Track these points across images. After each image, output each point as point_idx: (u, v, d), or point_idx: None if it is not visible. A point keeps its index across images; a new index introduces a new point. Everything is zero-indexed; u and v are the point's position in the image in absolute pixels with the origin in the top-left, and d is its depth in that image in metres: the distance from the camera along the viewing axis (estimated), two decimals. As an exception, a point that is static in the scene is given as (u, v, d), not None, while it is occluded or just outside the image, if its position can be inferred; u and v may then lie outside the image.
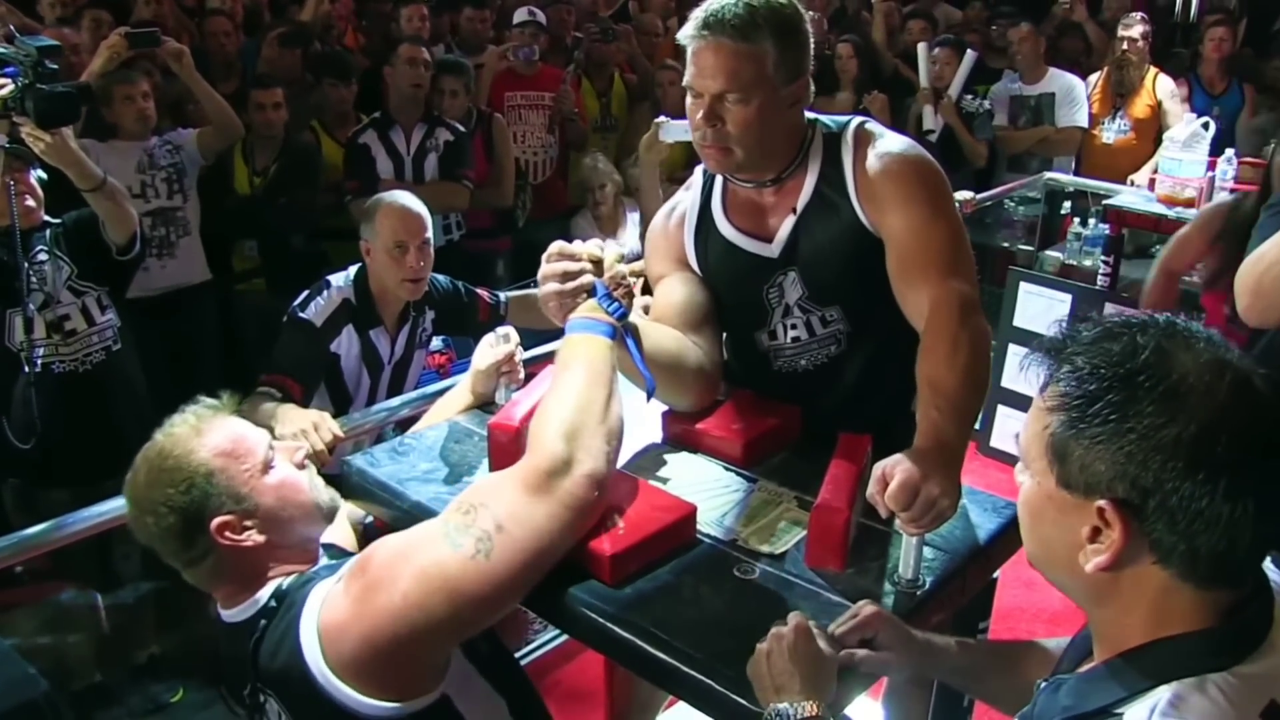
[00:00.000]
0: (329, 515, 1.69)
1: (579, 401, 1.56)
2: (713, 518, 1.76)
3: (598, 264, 1.73)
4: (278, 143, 4.38)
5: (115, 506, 2.23)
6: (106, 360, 3.20)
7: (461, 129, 4.52)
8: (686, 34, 1.84)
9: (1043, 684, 1.13)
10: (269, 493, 1.59)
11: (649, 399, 1.80)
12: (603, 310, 1.68)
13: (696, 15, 1.84)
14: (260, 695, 1.57)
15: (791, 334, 2.05)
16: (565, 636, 3.27)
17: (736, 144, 1.87)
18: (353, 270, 2.97)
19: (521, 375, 2.13)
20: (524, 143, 5.15)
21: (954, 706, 2.14)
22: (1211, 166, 4.31)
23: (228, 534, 1.55)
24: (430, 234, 2.95)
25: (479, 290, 3.18)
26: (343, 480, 1.95)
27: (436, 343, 3.45)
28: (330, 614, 1.46)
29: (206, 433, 1.59)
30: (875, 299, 1.93)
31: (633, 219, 4.65)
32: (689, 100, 1.89)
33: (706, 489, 1.84)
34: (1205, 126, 4.37)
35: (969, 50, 5.46)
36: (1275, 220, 2.10)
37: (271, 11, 6.07)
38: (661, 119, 3.98)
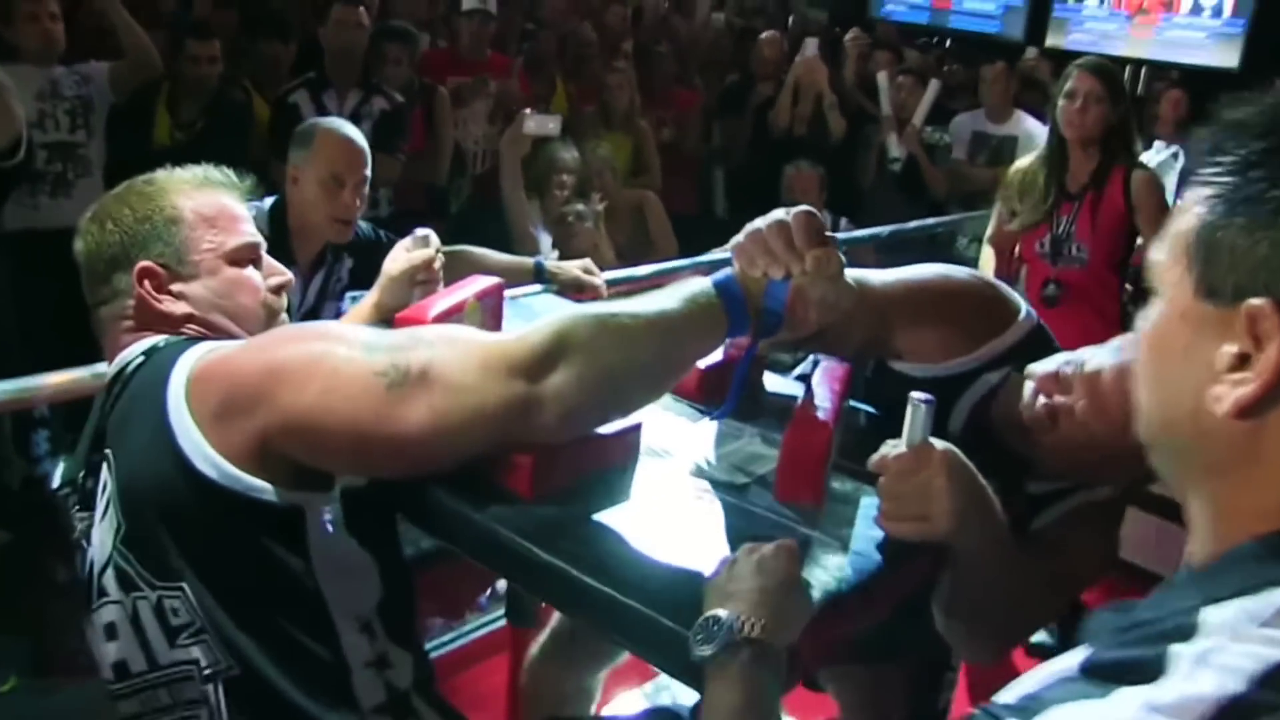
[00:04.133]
0: None
1: (622, 321, 1.19)
2: (658, 443, 1.47)
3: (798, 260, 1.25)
4: (207, 97, 4.03)
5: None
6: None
7: (400, 99, 4.22)
8: None
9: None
10: (219, 279, 1.38)
11: (712, 419, 1.51)
12: (759, 299, 1.26)
13: None
14: (99, 457, 1.30)
15: None
16: (467, 638, 2.98)
17: None
18: (268, 201, 2.65)
19: (440, 287, 1.84)
20: (463, 129, 4.86)
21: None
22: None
23: (147, 283, 1.34)
24: (369, 174, 2.67)
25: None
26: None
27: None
28: (211, 358, 1.24)
29: (202, 190, 1.40)
30: None
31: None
32: None
33: (653, 420, 1.54)
34: (1175, 156, 4.22)
35: (933, 80, 5.33)
36: None
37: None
38: (527, 110, 3.86)
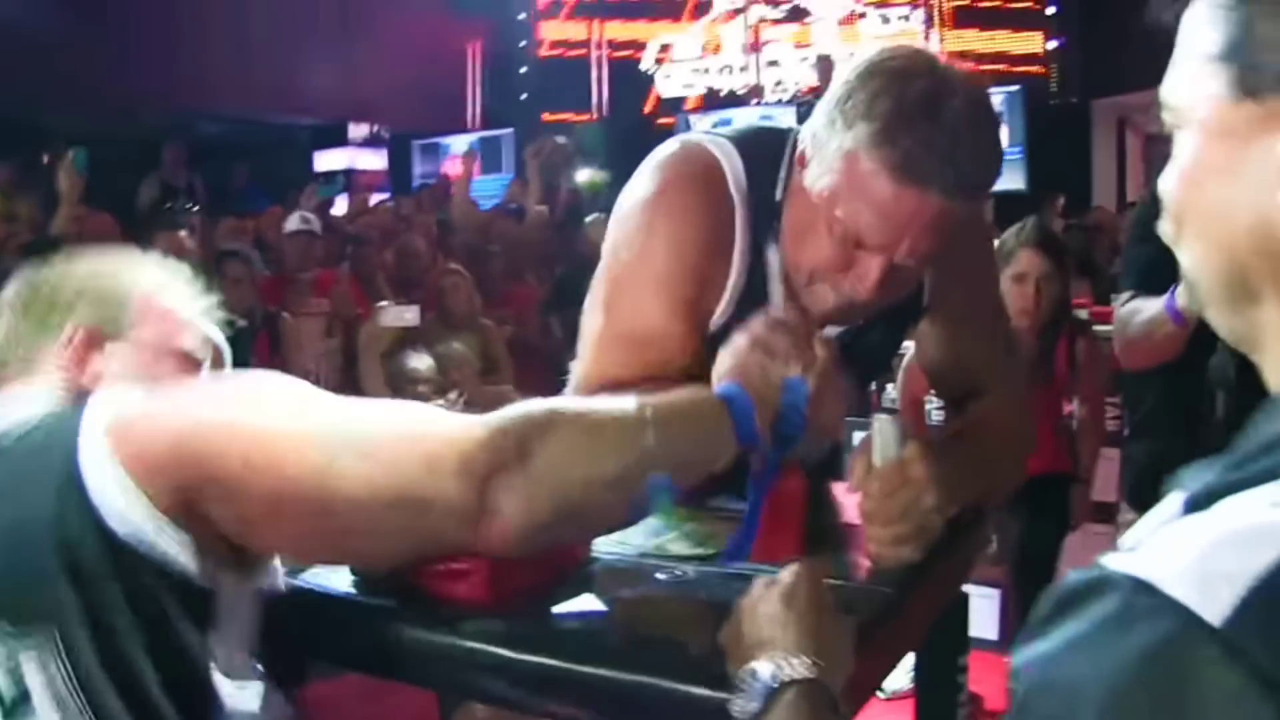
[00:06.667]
0: None
1: (599, 420, 1.02)
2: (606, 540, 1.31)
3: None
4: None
5: None
6: None
7: (241, 323, 4.07)
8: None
9: None
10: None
11: (723, 564, 1.21)
12: (774, 401, 1.08)
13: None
14: None
15: None
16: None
17: None
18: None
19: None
20: (298, 350, 4.70)
21: None
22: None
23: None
24: None
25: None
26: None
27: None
28: (128, 408, 1.02)
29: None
30: None
31: None
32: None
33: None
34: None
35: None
36: None
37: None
38: (383, 303, 3.96)
